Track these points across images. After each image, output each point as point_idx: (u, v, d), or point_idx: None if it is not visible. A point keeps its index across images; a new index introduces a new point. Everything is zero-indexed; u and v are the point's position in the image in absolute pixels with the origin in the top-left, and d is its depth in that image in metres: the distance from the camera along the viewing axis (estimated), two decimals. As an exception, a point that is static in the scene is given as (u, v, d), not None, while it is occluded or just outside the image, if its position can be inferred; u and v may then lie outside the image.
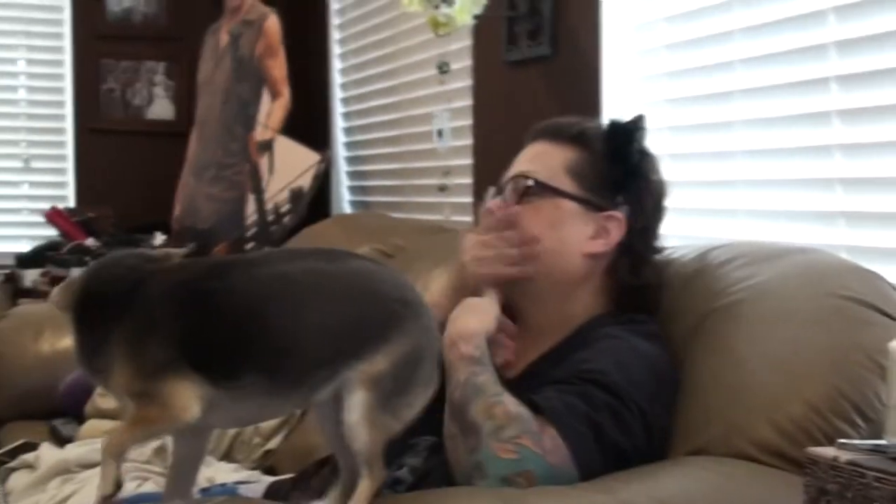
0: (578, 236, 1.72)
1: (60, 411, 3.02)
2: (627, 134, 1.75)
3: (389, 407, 1.34)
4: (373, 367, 1.32)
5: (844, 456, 1.15)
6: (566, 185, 1.72)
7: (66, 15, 5.01)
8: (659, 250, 1.81)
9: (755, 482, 1.45)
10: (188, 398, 1.32)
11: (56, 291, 1.42)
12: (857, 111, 1.94)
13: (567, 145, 1.74)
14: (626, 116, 1.79)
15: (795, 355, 1.55)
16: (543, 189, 1.71)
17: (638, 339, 1.65)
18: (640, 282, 1.76)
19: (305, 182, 4.18)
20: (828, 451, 1.18)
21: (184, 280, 1.38)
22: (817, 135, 2.02)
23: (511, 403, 1.48)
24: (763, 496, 1.42)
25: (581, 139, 1.74)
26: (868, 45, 1.90)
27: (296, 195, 4.17)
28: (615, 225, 1.73)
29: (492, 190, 1.82)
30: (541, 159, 1.75)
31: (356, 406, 1.32)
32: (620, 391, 1.52)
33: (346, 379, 1.33)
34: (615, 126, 1.76)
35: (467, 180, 3.25)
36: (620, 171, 1.74)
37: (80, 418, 2.90)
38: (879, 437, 1.24)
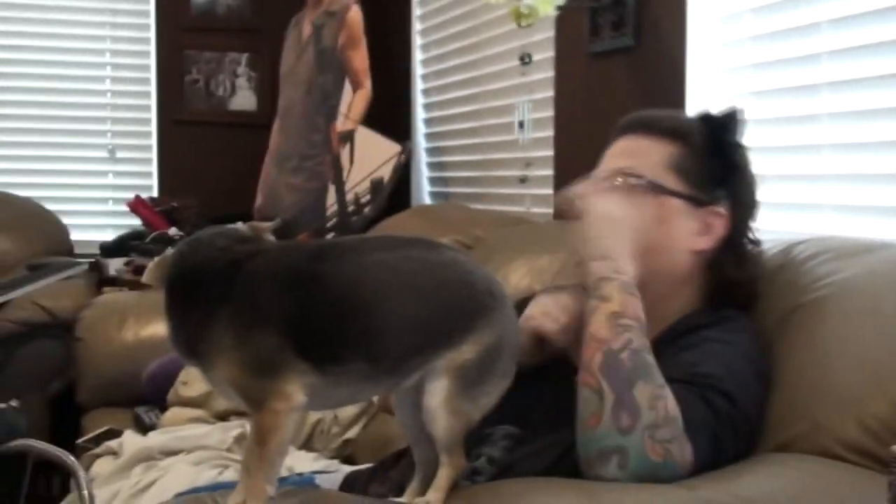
0: (685, 233, 1.69)
1: (143, 399, 3.07)
2: (726, 127, 1.72)
3: (470, 395, 1.34)
4: (460, 356, 1.33)
5: (931, 456, 1.12)
6: (670, 181, 1.68)
7: (151, 6, 5.09)
8: (758, 242, 1.79)
9: (839, 480, 1.43)
10: (297, 390, 1.30)
11: (150, 267, 1.42)
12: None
13: (665, 139, 1.70)
14: (715, 109, 1.76)
15: (882, 353, 1.53)
16: (650, 187, 1.67)
17: (740, 338, 1.62)
18: (745, 276, 1.74)
19: (386, 173, 4.19)
20: (915, 451, 1.15)
21: (287, 264, 1.37)
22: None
23: (671, 400, 1.41)
24: (847, 494, 1.40)
25: (679, 133, 1.70)
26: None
27: (376, 186, 4.18)
28: (719, 220, 1.71)
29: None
30: (640, 155, 1.70)
31: (438, 392, 1.32)
32: (736, 399, 1.49)
33: (433, 366, 1.33)
34: (713, 119, 1.73)
35: (548, 172, 3.24)
36: (720, 164, 1.71)
37: (162, 406, 2.95)
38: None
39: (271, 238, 1.46)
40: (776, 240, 1.95)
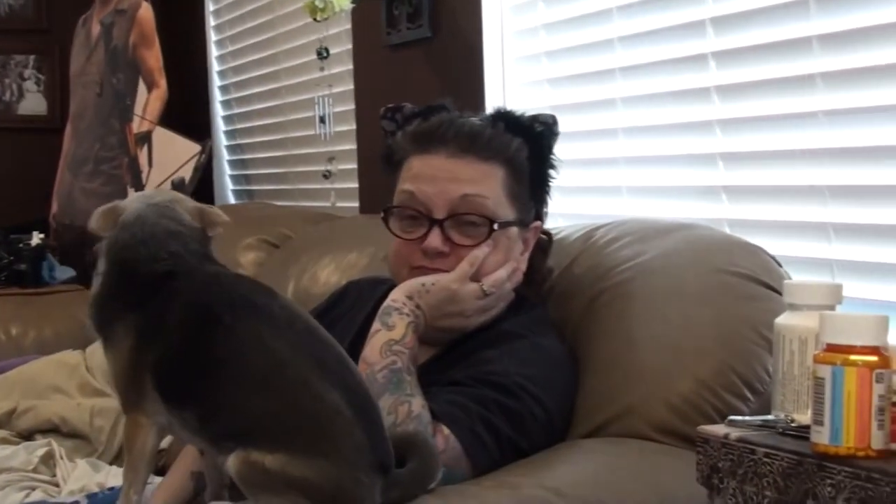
0: (519, 258, 1.72)
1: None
2: (548, 143, 1.75)
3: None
4: (261, 458, 1.30)
5: (735, 433, 1.16)
6: (510, 212, 1.69)
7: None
8: (550, 235, 1.82)
9: (648, 462, 1.46)
10: (155, 412, 1.36)
11: (99, 214, 1.43)
12: (735, 87, 1.96)
13: (496, 163, 1.68)
14: (511, 105, 1.78)
15: (685, 333, 1.57)
16: (500, 226, 1.67)
17: (538, 334, 1.65)
18: (548, 270, 1.79)
19: (186, 173, 4.10)
20: (718, 429, 1.18)
21: (201, 301, 1.37)
22: (698, 111, 2.04)
23: (415, 404, 1.49)
24: (656, 475, 1.43)
25: (509, 156, 1.70)
26: (741, 21, 1.92)
27: (177, 187, 4.08)
28: (534, 232, 1.75)
29: (395, 211, 1.73)
30: (481, 182, 1.68)
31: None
32: (512, 388, 1.53)
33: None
34: (536, 137, 1.74)
35: (352, 166, 3.22)
36: (538, 179, 1.75)
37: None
38: (768, 411, 1.25)
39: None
40: (576, 225, 1.98)
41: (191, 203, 1.48)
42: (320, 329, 1.40)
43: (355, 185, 3.19)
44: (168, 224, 1.43)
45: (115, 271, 1.41)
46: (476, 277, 1.65)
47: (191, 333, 1.34)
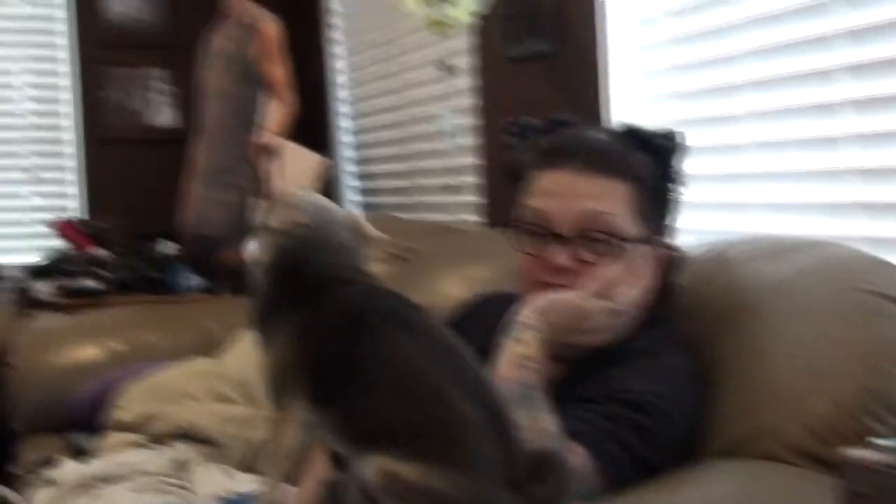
0: (647, 275, 1.71)
1: (79, 424, 3.02)
2: (675, 159, 1.74)
3: None
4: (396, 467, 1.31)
5: (878, 456, 1.14)
6: (638, 229, 1.68)
7: (65, 25, 5.01)
8: (679, 250, 1.82)
9: (784, 485, 1.43)
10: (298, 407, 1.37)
11: (273, 208, 1.46)
12: (872, 100, 1.93)
13: (621, 179, 1.68)
14: (641, 122, 1.77)
15: (820, 352, 1.54)
16: (629, 242, 1.67)
17: (668, 352, 1.65)
18: (677, 285, 1.78)
19: (312, 185, 4.17)
20: (860, 453, 1.16)
21: (361, 306, 1.38)
22: (832, 125, 2.01)
23: (548, 422, 1.48)
24: (792, 499, 1.40)
25: (635, 173, 1.69)
26: (878, 33, 1.89)
27: (302, 199, 4.15)
28: (663, 249, 1.75)
29: (522, 227, 1.73)
30: (605, 198, 1.67)
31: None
32: (644, 405, 1.53)
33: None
34: (662, 153, 1.73)
35: (473, 179, 3.24)
36: (666, 196, 1.74)
37: (98, 430, 2.90)
38: (907, 433, 1.23)
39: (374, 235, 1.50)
40: (706, 242, 1.97)
41: (344, 213, 1.52)
42: (458, 343, 1.42)
43: (479, 198, 3.21)
44: (335, 233, 1.46)
45: (283, 273, 1.41)
46: (605, 294, 1.65)
47: (345, 334, 1.35)
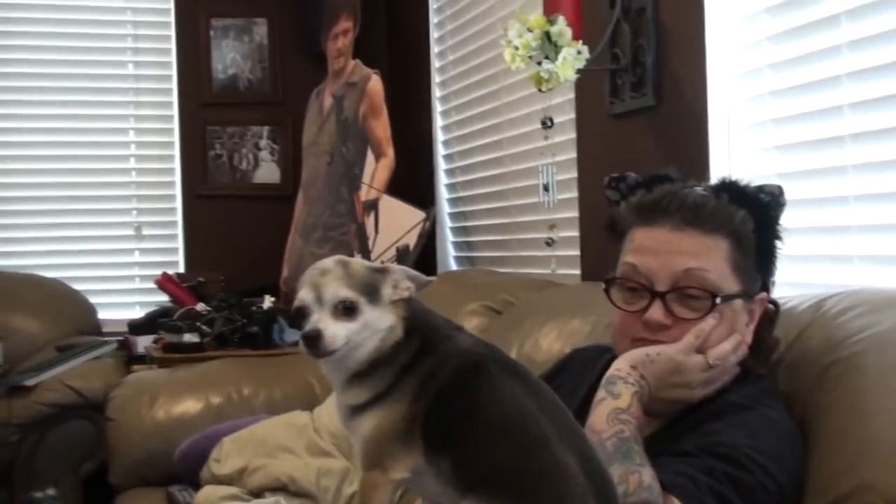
0: (744, 329, 1.70)
1: (176, 478, 3.06)
2: (774, 215, 1.73)
3: None
4: None
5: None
6: (735, 284, 1.67)
7: (174, 82, 5.14)
8: (777, 304, 1.79)
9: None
10: (400, 469, 1.36)
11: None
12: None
13: (720, 235, 1.67)
14: (743, 176, 1.76)
15: (923, 407, 1.51)
16: (724, 300, 1.66)
17: (765, 405, 1.63)
18: (774, 339, 1.76)
19: (411, 240, 4.20)
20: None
21: (477, 353, 1.41)
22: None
23: (646, 473, 1.48)
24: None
25: (733, 228, 1.68)
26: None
27: (402, 253, 4.19)
28: (760, 303, 1.73)
29: (618, 283, 1.73)
30: (704, 255, 1.66)
31: None
32: (742, 460, 1.51)
33: None
34: (762, 209, 1.72)
35: (574, 233, 3.23)
36: (765, 251, 1.73)
37: (196, 484, 2.93)
38: None
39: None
40: (807, 294, 1.94)
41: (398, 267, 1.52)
42: (556, 396, 1.42)
43: (577, 252, 3.20)
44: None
45: (410, 333, 1.41)
46: (701, 349, 1.64)
47: (462, 380, 1.36)
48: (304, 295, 1.37)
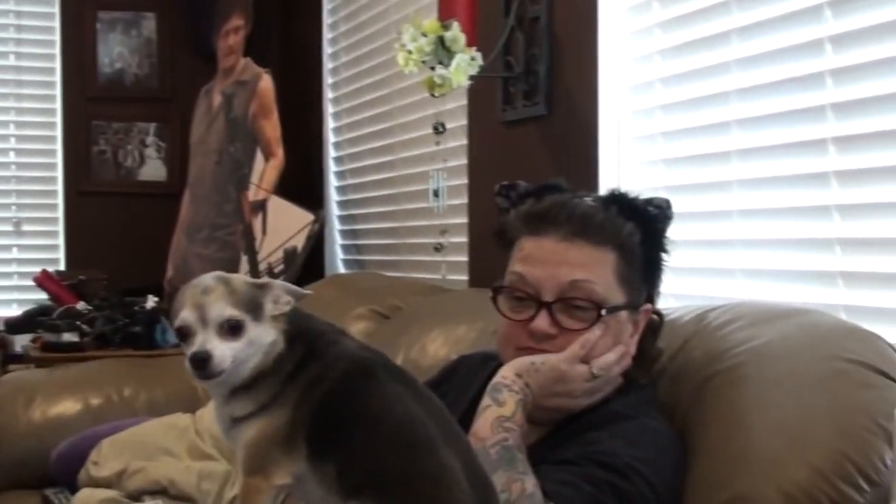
0: (628, 340, 1.72)
1: (53, 480, 2.98)
2: (661, 228, 1.76)
3: None
4: None
5: (854, 524, 1.13)
6: (621, 296, 1.69)
7: (58, 77, 5.03)
8: (662, 315, 1.81)
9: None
10: (282, 475, 1.35)
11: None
12: (854, 172, 1.94)
13: (608, 248, 1.69)
14: (629, 188, 1.78)
15: (800, 420, 1.54)
16: (611, 310, 1.68)
17: (646, 415, 1.66)
18: (657, 350, 1.79)
19: (299, 242, 4.17)
20: (837, 520, 1.16)
21: (364, 358, 1.40)
22: (815, 196, 2.02)
23: (530, 483, 1.49)
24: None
25: (620, 240, 1.70)
26: (866, 106, 1.91)
27: (290, 255, 4.16)
28: (645, 315, 1.75)
29: (501, 292, 1.74)
30: (591, 267, 1.68)
31: None
32: (622, 468, 1.53)
33: None
34: (649, 221, 1.74)
35: (463, 239, 3.24)
36: (651, 263, 1.75)
37: (72, 487, 2.87)
38: (884, 501, 1.23)
39: None
40: (689, 306, 1.97)
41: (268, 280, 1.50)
42: (442, 403, 1.42)
43: (466, 258, 3.21)
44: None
45: (293, 337, 1.40)
46: (585, 359, 1.65)
47: (349, 385, 1.36)
48: (186, 315, 1.34)
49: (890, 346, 1.68)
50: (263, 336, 1.37)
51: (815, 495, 1.46)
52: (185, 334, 1.35)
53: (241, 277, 1.40)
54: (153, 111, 5.14)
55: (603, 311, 1.66)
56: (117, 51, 5.11)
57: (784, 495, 1.46)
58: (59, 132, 5.04)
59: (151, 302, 4.08)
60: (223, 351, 1.33)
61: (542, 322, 1.67)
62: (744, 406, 1.61)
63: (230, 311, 1.34)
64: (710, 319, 1.84)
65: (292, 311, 1.40)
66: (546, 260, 1.69)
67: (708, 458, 1.59)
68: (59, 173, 5.04)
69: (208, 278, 1.38)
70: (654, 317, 1.78)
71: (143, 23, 5.14)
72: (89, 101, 5.06)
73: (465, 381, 1.89)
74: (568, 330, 1.67)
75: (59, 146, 5.04)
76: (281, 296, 1.39)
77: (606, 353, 1.67)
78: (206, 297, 1.35)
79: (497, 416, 1.58)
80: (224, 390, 1.38)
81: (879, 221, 1.90)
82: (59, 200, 5.03)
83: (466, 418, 1.62)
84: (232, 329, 1.34)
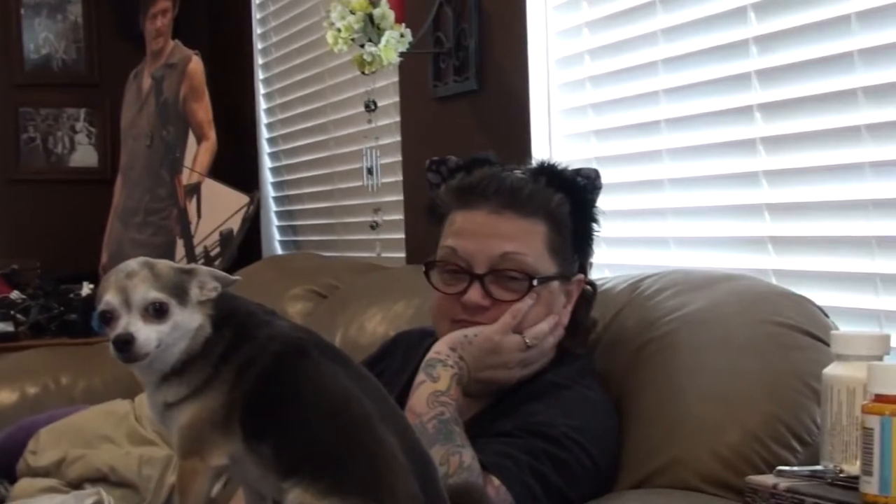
0: (561, 310, 1.73)
1: (-10, 470, 2.95)
2: (591, 198, 1.77)
3: None
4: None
5: (783, 483, 1.16)
6: (552, 267, 1.71)
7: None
8: (595, 286, 1.83)
9: (696, 512, 1.46)
10: (219, 455, 1.35)
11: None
12: (780, 138, 1.97)
13: (538, 219, 1.70)
14: (559, 160, 1.79)
15: (732, 384, 1.57)
16: (542, 280, 1.69)
17: (582, 385, 1.67)
18: (591, 320, 1.80)
19: (235, 224, 4.14)
20: (767, 479, 1.18)
21: (297, 338, 1.40)
22: (743, 163, 2.04)
23: (467, 456, 1.50)
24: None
25: (550, 212, 1.71)
26: (789, 73, 1.93)
27: (226, 238, 4.13)
28: (578, 285, 1.76)
29: (436, 266, 1.75)
30: (521, 239, 1.70)
31: None
32: (560, 438, 1.55)
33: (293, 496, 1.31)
34: (578, 192, 1.75)
35: (398, 216, 3.24)
36: (581, 233, 1.77)
37: (11, 477, 2.84)
38: (816, 461, 1.25)
39: None
40: (622, 276, 1.99)
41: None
42: (377, 380, 1.42)
43: (402, 235, 3.21)
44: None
45: (220, 318, 1.39)
46: (518, 330, 1.67)
47: (283, 365, 1.35)
48: (110, 298, 1.34)
49: (819, 308, 1.71)
50: (189, 321, 1.36)
51: (749, 457, 1.48)
52: (108, 318, 1.34)
53: (167, 263, 1.40)
54: (82, 97, 5.07)
55: (534, 282, 1.67)
56: (43, 36, 5.03)
57: (719, 458, 1.49)
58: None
59: (87, 289, 4.04)
60: (147, 334, 1.32)
61: (474, 294, 1.68)
62: (677, 372, 1.63)
63: (154, 294, 1.33)
64: (643, 288, 1.86)
65: (220, 295, 1.39)
66: (477, 233, 1.71)
67: (644, 425, 1.62)
68: (-12, 161, 4.97)
69: (133, 263, 1.37)
70: (587, 287, 1.80)
71: (69, 7, 5.05)
72: (16, 87, 4.98)
73: (404, 357, 1.90)
74: (500, 301, 1.68)
75: (-14, 134, 4.96)
76: (207, 281, 1.38)
77: (539, 323, 1.68)
78: (130, 281, 1.34)
79: (432, 391, 1.59)
80: (154, 377, 1.37)
81: (806, 187, 1.93)
82: (-12, 189, 4.96)
83: (405, 395, 1.63)
84: (156, 312, 1.33)
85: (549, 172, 1.76)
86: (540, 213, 1.71)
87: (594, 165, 2.30)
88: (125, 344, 1.32)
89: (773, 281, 1.92)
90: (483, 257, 1.69)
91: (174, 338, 1.35)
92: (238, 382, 1.34)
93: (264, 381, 1.34)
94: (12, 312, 3.88)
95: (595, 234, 1.79)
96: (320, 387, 1.36)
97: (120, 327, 1.32)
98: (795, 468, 1.21)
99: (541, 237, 1.70)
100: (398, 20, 2.54)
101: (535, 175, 1.75)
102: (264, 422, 1.34)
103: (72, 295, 4.02)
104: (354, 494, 1.28)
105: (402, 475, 1.30)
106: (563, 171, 1.77)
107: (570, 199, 1.74)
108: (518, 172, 1.76)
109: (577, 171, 1.78)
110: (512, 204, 1.70)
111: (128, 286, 1.34)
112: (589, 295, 1.80)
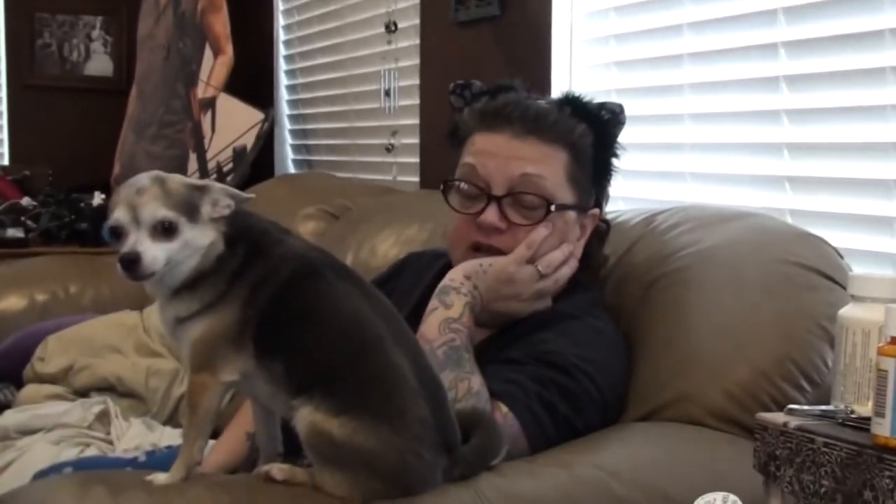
0: (575, 241, 1.72)
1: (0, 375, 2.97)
2: (613, 131, 1.75)
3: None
4: (327, 423, 1.30)
5: (794, 422, 1.15)
6: (570, 196, 1.70)
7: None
8: (608, 223, 1.83)
9: (703, 446, 1.46)
10: (230, 371, 1.35)
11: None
12: (803, 77, 1.95)
13: (559, 146, 1.69)
14: (583, 92, 1.77)
15: (744, 321, 1.57)
16: (560, 207, 1.68)
17: (592, 315, 1.67)
18: (604, 256, 1.80)
19: (248, 141, 4.12)
20: (777, 417, 1.18)
21: (312, 258, 1.39)
22: (765, 100, 2.02)
23: (476, 382, 1.51)
24: (711, 460, 1.43)
25: (572, 141, 1.70)
26: (812, 11, 1.91)
27: (239, 154, 4.11)
28: (592, 219, 1.75)
29: (463, 188, 1.73)
30: (542, 163, 1.68)
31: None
32: (568, 367, 1.54)
33: (303, 412, 1.31)
34: (601, 124, 1.74)
35: (414, 140, 3.23)
36: (600, 167, 1.76)
37: (18, 383, 2.86)
38: (826, 402, 1.25)
39: None
40: (637, 209, 1.98)
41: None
42: (390, 302, 1.42)
43: (417, 159, 3.20)
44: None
45: (235, 237, 1.38)
46: (532, 260, 1.67)
47: (297, 284, 1.35)
48: (119, 215, 1.32)
49: (834, 249, 1.71)
50: (200, 238, 1.34)
51: (757, 395, 1.48)
52: (117, 234, 1.33)
53: (179, 178, 1.37)
54: (99, 4, 5.03)
55: (552, 208, 1.66)
56: (61, -59, 4.98)
57: (727, 395, 1.49)
58: (1, 24, 4.91)
59: (98, 199, 4.03)
60: (154, 252, 1.31)
61: (491, 215, 1.68)
62: (688, 308, 1.63)
63: (163, 213, 1.32)
64: (657, 222, 1.85)
65: (234, 212, 1.38)
66: (498, 154, 1.70)
67: (652, 359, 1.61)
68: (2, 66, 4.93)
69: (144, 178, 1.35)
70: (602, 223, 1.79)
71: (90, -89, 5.00)
72: (32, -7, 4.95)
73: (414, 278, 1.90)
74: (516, 225, 1.67)
75: (1, 38, 4.92)
76: (221, 199, 1.37)
77: (554, 252, 1.68)
78: (140, 198, 1.32)
79: (444, 318, 1.59)
80: (165, 292, 1.37)
81: (827, 126, 1.91)
82: (2, 94, 4.93)
83: (414, 316, 1.63)
84: (165, 230, 1.32)
85: (574, 103, 1.74)
86: (562, 141, 1.69)
87: (614, 97, 2.30)
88: (131, 262, 1.30)
89: (790, 220, 1.91)
90: (502, 178, 1.68)
91: (184, 255, 1.34)
92: (252, 299, 1.34)
93: (278, 299, 1.34)
94: (23, 219, 3.88)
95: (614, 170, 1.78)
96: (334, 307, 1.36)
97: (128, 245, 1.31)
98: (806, 407, 1.20)
99: (561, 164, 1.69)
100: (423, -60, 2.51)
101: (560, 105, 1.74)
102: (277, 340, 1.34)
103: (83, 204, 4.01)
104: (364, 415, 1.28)
105: (412, 398, 1.30)
106: (588, 103, 1.76)
107: (593, 132, 1.72)
108: (543, 102, 1.75)
109: (602, 105, 1.76)
110: (535, 130, 1.69)
111: (137, 203, 1.32)
112: (602, 231, 1.79)
